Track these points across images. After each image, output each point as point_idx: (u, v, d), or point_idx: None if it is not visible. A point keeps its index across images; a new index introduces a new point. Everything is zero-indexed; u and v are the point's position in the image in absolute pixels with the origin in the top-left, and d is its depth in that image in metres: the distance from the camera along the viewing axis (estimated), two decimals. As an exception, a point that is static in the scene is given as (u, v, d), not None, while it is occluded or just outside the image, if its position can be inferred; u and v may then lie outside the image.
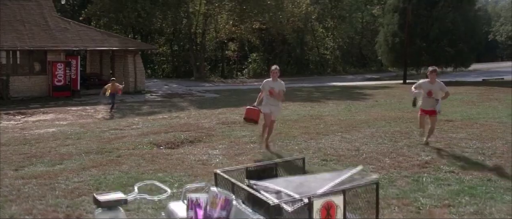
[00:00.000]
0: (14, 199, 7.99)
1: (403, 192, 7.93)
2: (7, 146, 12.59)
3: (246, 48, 53.08)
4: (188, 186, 4.74)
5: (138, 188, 4.56)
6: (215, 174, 5.30)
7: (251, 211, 4.41)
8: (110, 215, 4.15)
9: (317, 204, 4.31)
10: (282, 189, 4.62)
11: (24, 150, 12.10)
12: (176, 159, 10.64)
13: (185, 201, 4.68)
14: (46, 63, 26.34)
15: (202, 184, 5.04)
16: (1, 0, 28.04)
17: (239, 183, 4.98)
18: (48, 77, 26.20)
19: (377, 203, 4.73)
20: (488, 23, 70.30)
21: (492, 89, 26.74)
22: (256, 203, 4.47)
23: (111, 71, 32.66)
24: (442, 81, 11.66)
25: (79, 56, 27.88)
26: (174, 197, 7.40)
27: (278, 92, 11.22)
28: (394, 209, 7.12)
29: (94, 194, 4.38)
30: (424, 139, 11.63)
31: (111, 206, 4.19)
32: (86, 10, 39.28)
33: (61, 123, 17.51)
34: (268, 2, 41.86)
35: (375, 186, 4.73)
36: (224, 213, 4.45)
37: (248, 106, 11.84)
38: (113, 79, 22.08)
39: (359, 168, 5.10)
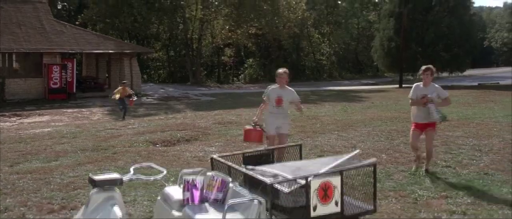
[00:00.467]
0: (9, 193, 7.93)
1: (400, 185, 7.91)
2: (2, 144, 12.51)
3: (242, 53, 53.12)
4: (185, 170, 4.70)
5: (134, 170, 4.52)
6: (212, 159, 5.29)
7: (248, 192, 4.38)
8: (105, 195, 4.11)
9: (315, 184, 4.29)
10: (279, 172, 4.59)
11: (19, 147, 12.03)
12: (172, 155, 10.60)
13: (181, 185, 4.65)
14: (42, 65, 26.24)
15: (199, 169, 5.00)
16: (-2, 3, 28.02)
17: (235, 166, 4.96)
18: (44, 80, 26.14)
19: (375, 184, 4.72)
20: (483, 29, 70.61)
21: (488, 92, 26.82)
22: (253, 184, 4.45)
23: (107, 75, 32.61)
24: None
25: (75, 59, 27.84)
26: (170, 182, 7.40)
27: (297, 105, 8.82)
28: (392, 201, 7.09)
29: (90, 174, 4.35)
30: (423, 167, 8.77)
31: (106, 185, 4.15)
32: (82, 15, 39.30)
33: (57, 124, 17.44)
34: (265, 8, 42.01)
35: (372, 167, 4.72)
36: (220, 195, 4.43)
37: (247, 127, 9.18)
38: (124, 82, 20.60)
39: (357, 151, 5.09)
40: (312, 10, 52.40)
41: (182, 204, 4.43)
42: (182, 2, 42.81)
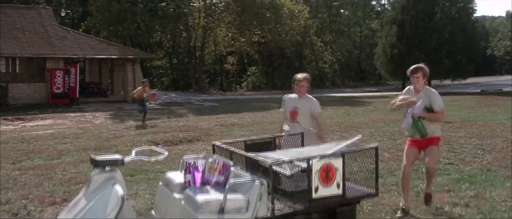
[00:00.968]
0: (11, 187, 7.94)
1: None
2: (5, 144, 12.55)
3: (245, 61, 53.23)
4: (186, 157, 4.69)
5: (136, 152, 4.52)
6: (213, 145, 5.29)
7: (249, 175, 4.38)
8: (106, 175, 4.11)
9: (316, 166, 4.28)
10: (281, 157, 4.59)
11: (22, 147, 12.06)
12: (174, 154, 10.58)
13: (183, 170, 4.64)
14: (45, 70, 26.31)
15: (201, 155, 4.99)
16: (2, 9, 28.16)
17: (237, 150, 4.96)
18: (47, 84, 26.18)
19: (377, 168, 4.71)
20: (486, 38, 70.67)
21: (490, 97, 26.81)
22: (254, 168, 4.44)
23: (109, 81, 32.68)
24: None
25: (78, 64, 27.88)
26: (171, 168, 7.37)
27: (316, 119, 6.70)
28: (394, 194, 7.07)
29: (91, 155, 4.35)
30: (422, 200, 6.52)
31: (108, 165, 4.15)
32: (85, 22, 39.43)
33: (60, 127, 17.45)
34: (267, 15, 42.14)
35: (374, 151, 4.71)
36: (222, 178, 4.42)
37: None
38: (144, 81, 18.60)
39: (358, 136, 5.08)
40: (315, 18, 52.50)
41: (184, 187, 4.42)
42: (185, 10, 42.97)
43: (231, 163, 4.58)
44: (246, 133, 13.30)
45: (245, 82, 52.08)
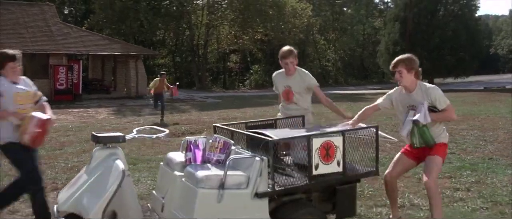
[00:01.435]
0: (13, 174, 7.95)
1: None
2: (7, 136, 12.57)
3: (248, 59, 53.28)
4: (187, 138, 4.71)
5: (137, 131, 4.55)
6: (214, 126, 5.30)
7: (250, 153, 4.40)
8: (107, 152, 4.14)
9: (316, 143, 4.29)
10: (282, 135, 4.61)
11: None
12: (176, 144, 10.59)
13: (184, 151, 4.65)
14: (48, 67, 26.38)
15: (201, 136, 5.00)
16: (4, 5, 28.23)
17: (238, 130, 4.99)
18: (50, 81, 26.24)
19: (377, 147, 4.72)
20: (489, 37, 70.58)
21: (493, 94, 26.77)
22: (255, 146, 4.46)
23: (113, 78, 32.75)
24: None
25: (81, 61, 27.94)
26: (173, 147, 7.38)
27: (317, 94, 5.85)
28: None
29: (92, 132, 4.38)
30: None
31: (109, 142, 4.18)
32: (88, 20, 39.55)
33: (62, 122, 17.49)
34: (270, 13, 42.16)
35: (374, 129, 4.73)
36: (223, 157, 4.43)
37: None
38: (163, 73, 16.81)
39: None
40: (318, 16, 52.53)
41: (185, 165, 4.44)
42: (188, 8, 43.06)
43: (232, 142, 4.59)
44: (248, 126, 13.30)
45: (248, 81, 52.14)
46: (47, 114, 5.03)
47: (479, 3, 54.87)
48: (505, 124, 13.03)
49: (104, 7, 38.86)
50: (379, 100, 5.32)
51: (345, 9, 59.68)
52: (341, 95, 31.98)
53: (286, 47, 5.91)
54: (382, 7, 61.10)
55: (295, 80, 5.81)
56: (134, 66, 29.29)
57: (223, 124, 5.37)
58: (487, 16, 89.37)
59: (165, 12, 42.36)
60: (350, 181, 4.63)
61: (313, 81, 5.83)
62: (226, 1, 44.56)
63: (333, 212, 4.74)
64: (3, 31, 26.21)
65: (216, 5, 44.66)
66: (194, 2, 44.87)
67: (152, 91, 16.19)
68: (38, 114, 4.91)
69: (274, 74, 6.22)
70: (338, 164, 4.41)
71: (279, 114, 6.10)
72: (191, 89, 42.30)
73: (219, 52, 50.17)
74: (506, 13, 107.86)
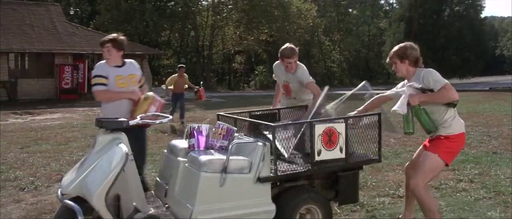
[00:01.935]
0: (19, 166, 8.04)
1: (407, 161, 7.87)
2: (14, 132, 12.67)
3: (253, 60, 53.29)
4: (191, 124, 4.74)
5: (140, 117, 4.58)
6: (218, 115, 5.34)
7: (253, 139, 4.43)
8: (111, 136, 4.16)
9: (319, 130, 4.31)
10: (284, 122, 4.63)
11: (31, 135, 12.18)
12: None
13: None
14: (53, 66, 26.48)
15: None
16: (11, 5, 28.38)
17: (241, 117, 5.02)
18: (55, 80, 26.35)
19: (379, 134, 4.74)
20: (495, 38, 70.39)
21: (499, 93, 26.70)
22: (258, 133, 4.49)
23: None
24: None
25: (87, 60, 28.02)
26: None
27: (311, 91, 5.70)
28: (398, 172, 7.10)
29: (96, 116, 4.42)
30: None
31: (112, 127, 4.20)
32: (94, 21, 39.67)
33: (68, 120, 17.57)
34: (276, 13, 42.17)
35: (377, 117, 4.74)
36: (226, 143, 4.46)
37: None
38: (182, 66, 13.85)
39: (363, 83, 5.12)
40: (323, 17, 52.51)
41: (188, 151, 4.46)
42: (193, 8, 43.14)
43: (235, 128, 4.62)
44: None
45: (253, 81, 52.14)
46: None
47: (484, 3, 54.75)
48: (510, 120, 13.00)
49: (109, 8, 39.00)
50: (391, 91, 4.97)
51: (350, 10, 59.64)
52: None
53: (288, 46, 5.71)
54: (387, 8, 61.07)
55: (293, 77, 5.77)
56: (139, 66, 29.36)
57: (227, 112, 5.40)
58: (493, 17, 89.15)
59: (170, 13, 42.44)
60: (353, 168, 4.65)
61: (304, 78, 5.68)
62: (231, 2, 44.62)
63: (336, 199, 4.76)
64: (10, 30, 26.39)
65: (221, 6, 44.72)
66: (199, 3, 44.96)
67: (169, 90, 13.36)
68: (158, 97, 5.27)
69: (275, 64, 6.08)
70: (341, 150, 4.42)
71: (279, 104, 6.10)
72: (196, 90, 42.28)
73: (224, 53, 50.21)
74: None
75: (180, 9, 43.37)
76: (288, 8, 43.60)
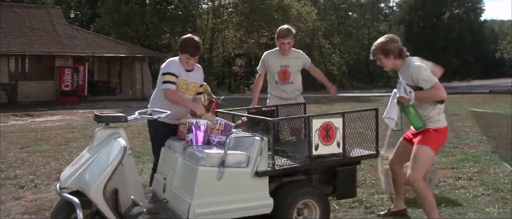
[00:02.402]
0: (19, 165, 8.05)
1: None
2: (14, 133, 12.68)
3: (253, 63, 53.32)
4: (189, 120, 4.75)
5: (139, 113, 4.59)
6: (216, 111, 5.35)
7: (250, 133, 4.45)
8: (110, 131, 4.18)
9: (316, 124, 4.32)
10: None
11: (31, 135, 12.18)
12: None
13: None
14: (54, 68, 26.52)
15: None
16: (11, 7, 28.46)
17: (239, 113, 5.04)
18: (55, 82, 26.37)
19: (377, 130, 4.76)
20: (495, 41, 70.44)
21: (499, 96, 26.71)
22: (255, 126, 4.51)
23: (118, 81, 32.86)
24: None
25: (87, 63, 28.09)
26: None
27: (312, 70, 6.08)
28: (397, 170, 7.09)
29: (95, 112, 4.43)
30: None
31: (111, 122, 4.23)
32: (94, 24, 39.72)
33: (68, 121, 17.58)
34: (276, 17, 42.21)
35: (374, 112, 4.76)
36: (224, 138, 4.47)
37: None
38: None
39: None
40: (323, 21, 52.56)
41: (186, 146, 4.48)
42: (193, 12, 43.19)
43: (233, 124, 4.64)
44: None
45: (253, 85, 52.13)
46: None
47: (484, 6, 54.81)
48: (509, 121, 13.01)
49: (110, 11, 39.07)
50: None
51: (350, 13, 59.72)
52: (347, 97, 31.96)
53: (284, 26, 5.85)
54: (387, 11, 61.05)
55: (292, 59, 5.83)
56: (139, 69, 29.43)
57: (225, 109, 5.42)
58: (493, 20, 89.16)
59: (170, 16, 42.48)
60: (350, 163, 4.66)
61: (307, 59, 5.96)
62: (231, 5, 44.68)
63: (334, 194, 4.78)
64: (10, 32, 26.44)
65: (221, 9, 44.79)
66: (200, 6, 45.02)
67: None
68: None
69: (266, 53, 6.09)
70: (338, 145, 4.44)
71: (268, 100, 6.08)
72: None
73: (224, 56, 50.25)
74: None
75: (180, 12, 43.39)
76: (288, 11, 43.63)
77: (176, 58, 5.10)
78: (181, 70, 5.00)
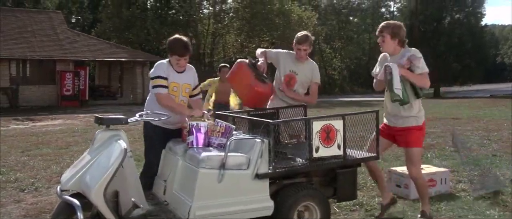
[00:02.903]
0: (19, 169, 8.06)
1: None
2: (14, 137, 12.69)
3: (254, 67, 53.43)
4: (190, 122, 4.76)
5: (139, 115, 4.60)
6: (217, 114, 5.35)
7: (251, 135, 4.46)
8: (110, 133, 4.18)
9: (317, 126, 4.33)
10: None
11: (31, 139, 12.20)
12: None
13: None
14: (55, 73, 26.56)
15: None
16: (13, 12, 28.54)
17: (239, 115, 5.04)
18: (57, 87, 26.42)
19: (377, 132, 4.76)
20: (496, 46, 70.49)
21: (499, 100, 26.69)
22: (256, 128, 4.51)
23: (119, 85, 32.88)
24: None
25: (88, 67, 28.14)
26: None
27: (314, 88, 5.69)
28: (398, 174, 7.08)
29: (96, 115, 4.44)
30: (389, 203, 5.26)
31: (112, 124, 4.23)
32: (95, 29, 39.78)
33: (69, 125, 17.60)
34: (277, 21, 42.25)
35: (375, 114, 4.77)
36: (225, 141, 4.47)
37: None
38: (225, 66, 9.19)
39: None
40: (324, 25, 52.63)
41: (187, 148, 4.48)
42: (194, 17, 43.25)
43: (234, 126, 4.64)
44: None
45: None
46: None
47: (484, 11, 55.09)
48: (510, 125, 13.02)
49: (111, 16, 39.14)
50: (375, 69, 5.18)
51: (351, 18, 59.82)
52: (348, 101, 32.02)
53: (303, 33, 5.55)
54: (388, 16, 61.07)
55: (304, 69, 5.53)
56: (140, 73, 29.48)
57: (226, 111, 5.42)
58: (494, 25, 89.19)
59: (171, 21, 42.53)
60: (351, 165, 4.66)
61: (317, 75, 5.64)
62: (232, 10, 44.74)
63: (334, 197, 4.78)
64: (11, 37, 26.51)
65: (222, 14, 44.85)
66: (201, 11, 45.08)
67: (210, 102, 9.19)
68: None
69: (284, 51, 5.69)
70: (339, 147, 4.44)
71: (269, 101, 5.75)
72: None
73: (225, 60, 50.28)
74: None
75: (181, 17, 43.45)
76: (289, 16, 43.66)
77: (165, 60, 5.02)
78: (170, 72, 4.91)
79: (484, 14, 42.43)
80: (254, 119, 4.59)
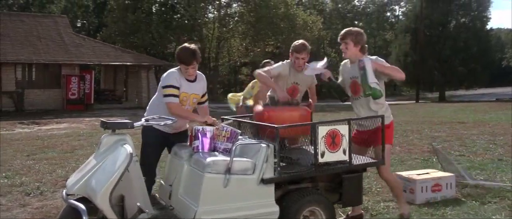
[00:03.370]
0: (25, 173, 8.08)
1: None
2: (20, 141, 12.73)
3: (259, 72, 53.43)
4: (195, 126, 4.77)
5: (145, 120, 4.61)
6: (222, 118, 5.36)
7: (256, 140, 4.46)
8: (116, 138, 4.19)
9: (322, 131, 4.32)
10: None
11: (37, 143, 12.22)
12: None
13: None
14: (60, 77, 26.65)
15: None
16: (18, 16, 28.67)
17: (244, 120, 5.04)
18: (62, 91, 26.50)
19: (383, 137, 4.74)
20: (502, 50, 70.17)
21: (505, 104, 26.60)
22: (262, 135, 4.51)
23: (124, 89, 32.95)
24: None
25: (93, 71, 28.22)
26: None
27: (313, 90, 5.83)
28: (403, 178, 7.06)
29: (101, 119, 4.45)
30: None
31: (117, 128, 4.24)
32: (101, 33, 39.91)
33: (74, 129, 17.63)
34: (282, 25, 42.29)
35: (380, 119, 4.76)
36: (230, 145, 4.47)
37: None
38: (268, 62, 7.49)
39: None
40: (329, 29, 52.63)
41: (192, 153, 4.48)
42: (199, 21, 43.33)
43: (239, 131, 4.64)
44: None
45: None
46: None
47: (490, 15, 54.85)
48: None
49: (116, 20, 39.26)
50: (340, 80, 5.41)
51: (356, 22, 59.74)
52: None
53: (299, 41, 5.57)
54: (393, 20, 61.17)
55: (304, 78, 5.52)
56: (145, 77, 29.54)
57: (231, 116, 5.43)
58: (499, 29, 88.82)
59: (176, 25, 42.64)
60: (356, 170, 4.65)
61: (315, 79, 5.67)
62: (237, 14, 44.81)
63: (339, 202, 4.77)
64: (17, 41, 26.64)
65: (227, 18, 44.92)
66: (206, 15, 45.17)
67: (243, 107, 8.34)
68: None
69: (281, 64, 5.56)
70: (344, 152, 4.43)
71: None
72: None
73: (230, 64, 50.35)
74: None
75: (186, 21, 43.54)
76: (294, 20, 43.71)
77: (176, 69, 5.01)
78: (182, 81, 4.91)
79: (490, 18, 42.38)
80: (260, 125, 4.59)
